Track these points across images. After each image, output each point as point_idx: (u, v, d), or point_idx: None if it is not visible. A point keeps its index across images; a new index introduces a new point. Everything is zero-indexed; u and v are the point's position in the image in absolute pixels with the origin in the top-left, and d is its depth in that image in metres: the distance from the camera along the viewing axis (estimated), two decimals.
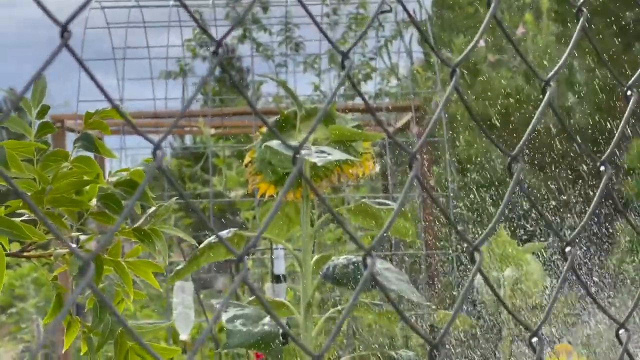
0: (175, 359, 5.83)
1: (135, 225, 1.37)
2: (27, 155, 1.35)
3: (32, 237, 1.23)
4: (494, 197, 6.04)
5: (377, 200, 2.54)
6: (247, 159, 2.64)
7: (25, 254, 1.35)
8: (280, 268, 3.95)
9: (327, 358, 2.46)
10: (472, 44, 1.08)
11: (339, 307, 2.55)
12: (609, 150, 1.09)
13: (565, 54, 1.13)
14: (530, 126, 1.12)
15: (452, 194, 5.53)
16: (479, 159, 6.47)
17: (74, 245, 1.37)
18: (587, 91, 6.26)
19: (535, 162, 5.98)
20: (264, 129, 2.66)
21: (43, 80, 1.40)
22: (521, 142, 1.10)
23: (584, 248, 2.68)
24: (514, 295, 2.72)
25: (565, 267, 1.08)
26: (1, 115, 1.02)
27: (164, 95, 6.70)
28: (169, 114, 6.80)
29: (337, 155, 2.37)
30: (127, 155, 7.13)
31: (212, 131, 6.14)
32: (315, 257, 2.56)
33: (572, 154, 5.72)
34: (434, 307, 2.55)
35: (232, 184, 6.18)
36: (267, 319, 2.33)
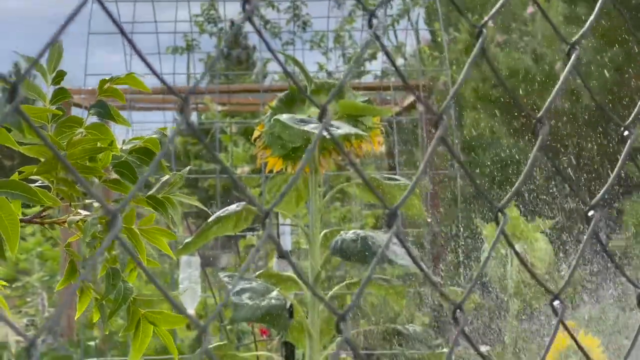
0: (179, 335, 5.85)
1: (149, 194, 1.37)
2: (41, 122, 1.35)
3: (47, 202, 1.23)
4: (500, 178, 6.04)
5: (385, 175, 2.54)
6: (256, 133, 2.64)
7: (38, 220, 1.35)
8: (286, 244, 3.96)
9: (330, 334, 2.46)
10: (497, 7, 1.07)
11: (347, 282, 2.55)
12: (633, 115, 1.09)
13: (592, 17, 1.12)
14: (555, 89, 1.11)
15: (458, 171, 5.53)
16: (485, 139, 6.47)
17: (102, 199, 1.37)
18: (595, 71, 6.25)
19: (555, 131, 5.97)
20: (273, 103, 2.66)
21: (59, 46, 1.40)
22: (547, 104, 1.10)
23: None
24: (520, 272, 2.72)
25: (588, 232, 1.08)
26: (16, 80, 1.01)
27: (171, 70, 6.69)
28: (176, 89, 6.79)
29: (346, 129, 2.37)
30: (134, 130, 7.12)
31: (219, 108, 6.14)
32: (324, 231, 2.56)
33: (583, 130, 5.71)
34: (441, 282, 2.55)
35: (239, 161, 6.18)
36: (274, 293, 2.34)
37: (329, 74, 8.81)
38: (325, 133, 2.29)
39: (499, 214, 1.23)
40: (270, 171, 2.66)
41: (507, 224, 2.47)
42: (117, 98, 1.40)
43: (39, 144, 1.32)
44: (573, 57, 1.08)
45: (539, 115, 1.31)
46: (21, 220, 1.33)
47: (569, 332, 1.40)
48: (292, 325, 2.48)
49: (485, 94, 6.25)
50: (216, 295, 4.34)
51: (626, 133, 1.06)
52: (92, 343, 5.86)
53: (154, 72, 0.93)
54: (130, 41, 0.90)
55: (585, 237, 1.07)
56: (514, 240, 2.67)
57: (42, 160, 1.34)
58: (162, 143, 1.39)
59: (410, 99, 7.23)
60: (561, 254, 2.82)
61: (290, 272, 3.86)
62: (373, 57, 8.61)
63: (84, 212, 1.37)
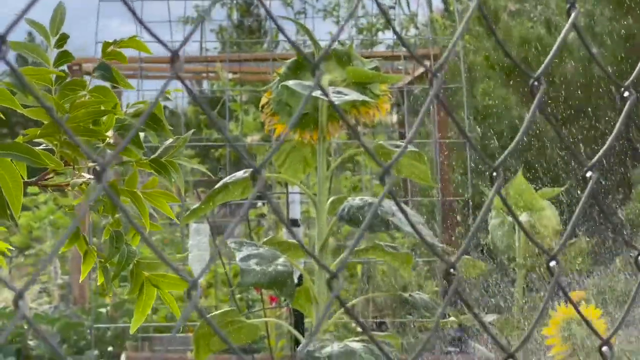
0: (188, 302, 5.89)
1: (152, 157, 1.37)
2: (45, 84, 1.35)
3: (50, 164, 1.23)
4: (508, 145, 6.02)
5: (392, 142, 2.53)
6: (263, 100, 2.63)
7: (42, 182, 1.36)
8: (295, 212, 3.96)
9: (337, 302, 2.47)
10: None
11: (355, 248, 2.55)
12: (632, 76, 1.09)
13: None
14: (554, 47, 1.11)
15: (471, 139, 5.51)
16: (497, 108, 6.45)
17: (88, 151, 1.37)
18: (608, 40, 6.21)
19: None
20: (282, 70, 2.65)
21: (62, 7, 1.40)
22: (546, 62, 1.09)
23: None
24: (528, 242, 2.71)
25: (585, 192, 1.08)
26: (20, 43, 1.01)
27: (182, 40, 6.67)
28: (186, 59, 6.78)
29: (354, 95, 2.36)
30: (144, 97, 7.12)
31: (230, 76, 6.13)
32: (331, 198, 2.56)
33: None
34: (450, 248, 2.55)
35: (249, 129, 6.18)
36: (281, 259, 2.34)
37: (341, 44, 8.77)
38: (334, 99, 2.27)
39: (494, 174, 1.23)
40: (279, 138, 2.66)
41: (510, 188, 2.43)
42: (120, 61, 1.40)
43: (41, 107, 1.33)
44: (572, 15, 1.07)
45: (536, 74, 1.31)
46: (26, 183, 1.33)
47: (568, 298, 1.40)
48: (299, 293, 2.48)
49: (497, 62, 6.23)
50: (225, 263, 4.35)
51: (626, 94, 1.06)
52: (103, 310, 5.89)
53: (153, 34, 0.93)
54: (130, 8, 0.90)
55: (583, 197, 1.07)
56: (521, 210, 2.67)
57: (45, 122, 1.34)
58: (165, 106, 1.39)
59: (422, 68, 7.20)
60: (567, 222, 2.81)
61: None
62: (386, 26, 8.57)
63: (87, 175, 1.38)
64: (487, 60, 6.34)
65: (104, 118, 1.36)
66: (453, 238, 4.98)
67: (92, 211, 1.33)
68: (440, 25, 7.72)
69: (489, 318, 2.57)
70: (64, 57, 1.37)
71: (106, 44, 1.35)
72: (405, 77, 7.48)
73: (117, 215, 1.34)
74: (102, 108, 1.34)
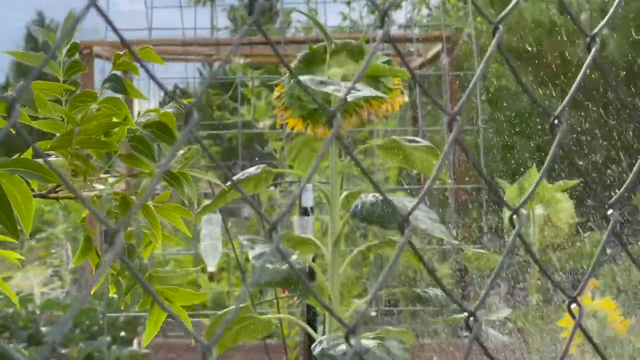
0: (203, 286, 5.84)
1: (165, 168, 1.35)
2: (56, 95, 1.33)
3: (59, 181, 1.22)
4: (524, 130, 5.99)
5: (406, 137, 2.52)
6: (275, 94, 2.62)
7: (53, 195, 1.34)
8: (308, 200, 3.94)
9: (350, 297, 2.46)
10: None
11: (367, 244, 2.54)
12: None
13: None
14: (575, 85, 1.08)
15: (482, 126, 5.49)
16: (509, 91, 6.41)
17: (104, 220, 1.35)
18: (621, 23, 6.16)
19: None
20: (293, 63, 2.63)
21: (73, 15, 1.38)
22: (565, 100, 1.07)
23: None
24: (542, 234, 2.70)
25: (606, 232, 1.06)
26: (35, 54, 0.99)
27: (192, 22, 6.63)
28: (197, 41, 6.76)
29: (366, 91, 2.34)
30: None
31: (242, 60, 6.10)
32: (345, 192, 2.55)
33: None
34: (464, 245, 2.53)
35: (261, 115, 6.15)
36: (294, 256, 2.33)
37: (353, 24, 8.74)
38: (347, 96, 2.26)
39: (515, 217, 1.20)
40: (292, 129, 2.64)
41: (525, 185, 2.41)
42: (132, 71, 1.38)
43: (53, 119, 1.31)
44: (593, 50, 1.04)
45: (556, 113, 1.28)
46: (36, 195, 1.32)
47: (584, 332, 1.37)
48: (314, 286, 2.47)
49: (509, 45, 6.18)
50: (237, 249, 4.34)
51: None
52: (115, 296, 5.87)
53: None
54: None
55: (604, 237, 1.05)
56: (536, 203, 2.65)
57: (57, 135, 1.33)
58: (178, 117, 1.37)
59: (435, 50, 7.16)
60: (583, 214, 2.80)
61: (309, 232, 3.85)
62: (398, 6, 8.52)
63: (99, 187, 1.36)
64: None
65: (116, 129, 1.35)
66: (466, 225, 4.96)
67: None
68: (453, 5, 7.66)
69: (503, 313, 2.55)
70: (75, 66, 1.35)
71: (117, 56, 1.33)
72: (417, 58, 7.45)
73: (129, 229, 1.32)
74: (114, 120, 1.32)
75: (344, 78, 2.55)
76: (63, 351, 5.39)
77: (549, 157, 1.25)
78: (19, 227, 1.24)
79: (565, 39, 6.14)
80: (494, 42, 1.25)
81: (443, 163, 1.18)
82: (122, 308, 1.37)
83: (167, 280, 1.35)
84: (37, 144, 1.34)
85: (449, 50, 6.61)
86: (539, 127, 5.54)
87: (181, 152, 1.36)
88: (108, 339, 5.30)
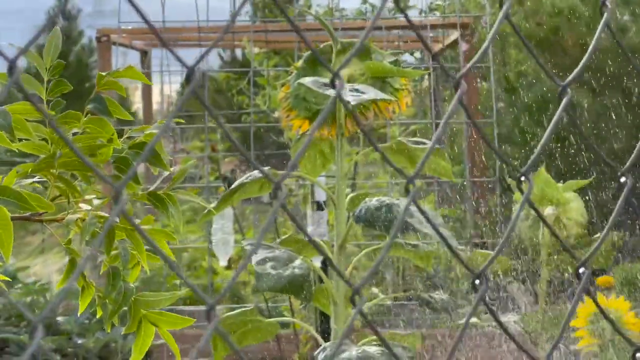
0: (220, 274, 5.81)
1: (150, 190, 1.33)
2: (39, 117, 1.31)
3: (38, 209, 1.19)
4: (541, 118, 5.93)
5: (413, 139, 2.48)
6: (281, 94, 2.59)
7: (37, 218, 1.32)
8: (321, 194, 3.92)
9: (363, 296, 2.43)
10: None
11: (373, 248, 2.51)
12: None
13: None
14: (587, 53, 1.06)
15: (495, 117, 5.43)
16: (528, 79, 6.35)
17: (104, 175, 1.33)
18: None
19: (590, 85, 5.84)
20: (299, 64, 2.60)
21: (56, 33, 1.35)
22: (576, 70, 1.04)
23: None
24: (552, 236, 2.66)
25: (620, 198, 1.04)
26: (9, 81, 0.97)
27: (205, 7, 6.58)
28: (213, 29, 6.73)
29: (371, 94, 2.30)
30: (169, 66, 7.08)
31: (256, 50, 6.06)
32: (350, 195, 2.52)
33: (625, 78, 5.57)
34: (468, 250, 2.50)
35: (276, 104, 6.12)
36: (298, 261, 2.30)
37: (373, 7, 8.67)
38: (351, 99, 2.22)
39: (523, 179, 1.20)
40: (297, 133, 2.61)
41: (534, 187, 2.37)
42: (117, 90, 1.35)
43: (34, 141, 1.29)
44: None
45: (565, 82, 1.28)
46: (19, 219, 1.30)
47: (594, 300, 1.35)
48: (318, 292, 2.45)
49: (528, 32, 6.12)
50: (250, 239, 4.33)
51: None
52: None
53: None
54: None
55: (618, 203, 1.03)
56: (546, 203, 2.61)
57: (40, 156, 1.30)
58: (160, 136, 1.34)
59: (453, 36, 7.10)
60: (595, 214, 2.75)
61: (323, 226, 3.83)
62: None
63: (84, 207, 1.34)
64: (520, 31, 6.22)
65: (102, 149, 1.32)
66: (482, 217, 4.93)
67: (87, 246, 1.29)
68: None
69: (513, 317, 2.52)
70: (59, 86, 1.33)
71: (100, 76, 1.31)
72: (436, 45, 7.39)
73: (114, 252, 1.30)
74: (99, 142, 1.30)
75: (350, 78, 2.51)
76: (79, 341, 5.40)
77: (551, 124, 1.23)
78: None
79: (584, 25, 6.06)
80: (501, 13, 1.24)
81: (446, 125, 1.16)
82: (109, 331, 1.35)
83: (153, 304, 1.33)
84: (20, 167, 1.32)
85: (467, 37, 6.56)
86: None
87: (166, 173, 1.33)
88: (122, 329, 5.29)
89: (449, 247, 1.11)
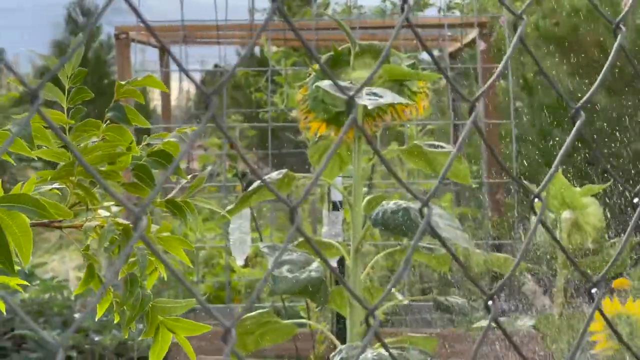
0: (238, 271, 5.79)
1: (168, 197, 1.34)
2: (59, 124, 1.32)
3: (56, 216, 1.20)
4: (559, 118, 5.92)
5: (429, 142, 2.48)
6: (299, 96, 2.59)
7: (56, 224, 1.33)
8: (337, 195, 3.92)
9: (371, 303, 2.44)
10: None
11: (390, 250, 2.52)
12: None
13: None
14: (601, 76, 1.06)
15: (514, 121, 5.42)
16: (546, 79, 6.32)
17: (125, 201, 1.34)
18: None
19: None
20: (317, 66, 2.60)
21: (79, 40, 1.36)
22: (589, 93, 1.05)
23: None
24: (570, 239, 2.66)
25: (634, 217, 1.05)
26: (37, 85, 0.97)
27: (224, 5, 6.58)
28: (231, 26, 6.73)
29: (389, 98, 2.31)
30: (188, 66, 7.08)
31: (274, 49, 6.07)
32: (367, 197, 2.52)
33: None
34: (484, 253, 2.50)
35: (294, 103, 6.12)
36: (315, 264, 2.31)
37: (394, 5, 8.66)
38: (368, 103, 2.22)
39: (535, 200, 1.22)
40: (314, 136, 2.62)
41: (552, 190, 2.36)
42: (136, 98, 1.36)
43: (53, 149, 1.30)
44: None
45: (577, 105, 1.29)
46: (38, 225, 1.31)
47: (605, 319, 1.35)
48: (334, 294, 2.45)
49: (546, 31, 6.10)
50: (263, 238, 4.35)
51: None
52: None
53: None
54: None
55: (630, 224, 1.04)
56: (564, 208, 2.61)
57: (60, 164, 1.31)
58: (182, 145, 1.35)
59: (472, 35, 7.09)
60: (612, 218, 2.75)
61: (339, 226, 3.83)
62: None
63: (103, 213, 1.35)
64: (537, 30, 6.22)
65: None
66: (500, 220, 4.92)
67: (106, 253, 1.30)
68: None
69: (528, 322, 2.52)
70: (80, 94, 1.34)
71: (119, 85, 1.31)
72: (455, 43, 7.38)
73: (131, 259, 1.31)
74: (118, 149, 1.31)
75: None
76: (96, 338, 5.42)
77: (564, 148, 1.24)
78: (17, 260, 1.23)
79: (603, 25, 6.04)
80: (516, 36, 1.25)
81: (459, 151, 1.17)
82: (126, 336, 1.36)
83: (170, 311, 1.33)
84: (39, 173, 1.33)
85: (485, 36, 6.55)
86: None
87: (184, 181, 1.34)
88: (140, 326, 5.31)
89: (462, 266, 1.11)
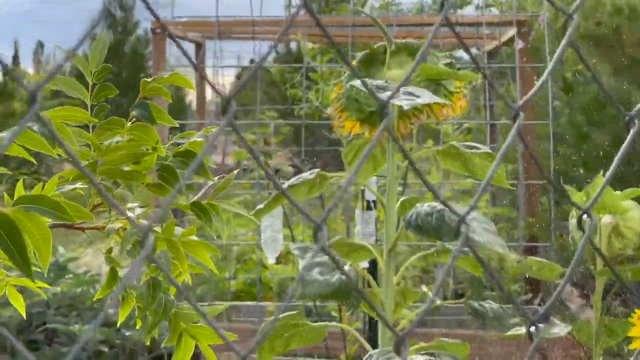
0: (270, 268, 5.76)
1: (193, 200, 1.29)
2: (83, 121, 1.28)
3: (75, 219, 1.16)
4: (598, 119, 5.83)
5: (466, 143, 2.42)
6: (333, 95, 2.54)
7: (77, 226, 1.29)
8: (371, 194, 3.86)
9: (403, 306, 2.38)
10: None
11: (423, 253, 2.46)
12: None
13: None
14: None
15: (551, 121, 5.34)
16: (586, 78, 6.24)
17: (131, 216, 1.30)
18: None
19: None
20: (353, 64, 2.55)
21: (103, 37, 1.32)
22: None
23: None
24: (609, 245, 2.58)
25: None
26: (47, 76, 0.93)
27: (259, 1, 6.55)
28: (267, 22, 6.70)
29: (426, 97, 2.25)
30: (222, 61, 7.05)
31: (310, 45, 6.02)
32: (401, 199, 2.47)
33: None
34: (521, 258, 2.43)
35: (329, 100, 6.07)
36: (346, 267, 2.26)
37: (434, 1, 8.57)
38: (404, 103, 2.16)
39: (584, 218, 1.18)
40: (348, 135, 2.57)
41: (591, 190, 2.29)
42: (163, 96, 1.32)
43: (75, 147, 1.26)
44: None
45: (632, 112, 1.25)
46: (59, 226, 1.27)
47: None
48: (368, 291, 2.40)
49: (586, 32, 6.01)
50: (295, 236, 4.31)
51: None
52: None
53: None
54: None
55: None
56: (603, 212, 2.54)
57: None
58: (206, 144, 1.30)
59: (510, 33, 7.01)
60: None
61: (372, 226, 3.78)
62: None
63: (128, 214, 1.30)
64: (578, 30, 6.13)
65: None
66: (535, 221, 4.84)
67: (129, 256, 1.25)
68: None
69: (565, 329, 2.45)
70: (103, 90, 1.30)
71: (145, 82, 1.27)
72: (492, 42, 7.30)
73: (153, 264, 1.26)
74: (143, 149, 1.26)
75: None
76: (127, 333, 5.40)
77: (616, 159, 1.20)
78: (36, 262, 1.19)
79: None
80: (566, 36, 1.20)
81: (501, 161, 1.12)
82: (148, 343, 1.31)
83: (193, 317, 1.29)
84: (62, 174, 1.28)
85: (523, 35, 6.46)
86: (615, 115, 5.38)
87: (211, 183, 1.29)
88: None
89: (500, 286, 1.06)
